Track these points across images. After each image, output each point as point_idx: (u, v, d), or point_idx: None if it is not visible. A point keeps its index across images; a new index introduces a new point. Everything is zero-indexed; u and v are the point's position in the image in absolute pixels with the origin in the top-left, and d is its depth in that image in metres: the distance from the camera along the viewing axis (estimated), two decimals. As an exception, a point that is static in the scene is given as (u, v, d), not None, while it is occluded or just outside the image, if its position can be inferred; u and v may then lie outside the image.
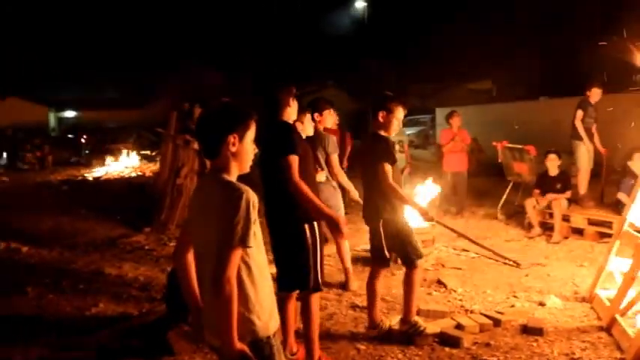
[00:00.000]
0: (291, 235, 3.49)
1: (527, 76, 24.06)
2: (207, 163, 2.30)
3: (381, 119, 4.09)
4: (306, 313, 3.58)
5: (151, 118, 24.66)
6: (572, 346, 3.95)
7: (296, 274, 3.54)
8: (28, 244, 7.18)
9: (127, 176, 16.49)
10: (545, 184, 7.46)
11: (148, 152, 22.05)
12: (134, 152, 21.18)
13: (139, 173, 16.94)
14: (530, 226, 7.53)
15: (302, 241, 3.46)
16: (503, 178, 9.02)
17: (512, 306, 4.83)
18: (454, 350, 3.94)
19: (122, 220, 8.73)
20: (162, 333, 4.04)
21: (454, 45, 28.04)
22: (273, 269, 3.75)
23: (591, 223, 7.06)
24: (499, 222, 8.30)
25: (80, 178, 16.47)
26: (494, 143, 9.03)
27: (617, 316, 4.11)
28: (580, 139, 7.61)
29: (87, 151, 23.63)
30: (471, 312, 4.65)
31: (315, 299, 3.58)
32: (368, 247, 4.46)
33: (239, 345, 2.03)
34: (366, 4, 32.85)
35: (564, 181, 7.41)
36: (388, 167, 3.94)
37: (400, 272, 4.42)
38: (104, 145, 23.50)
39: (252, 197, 2.09)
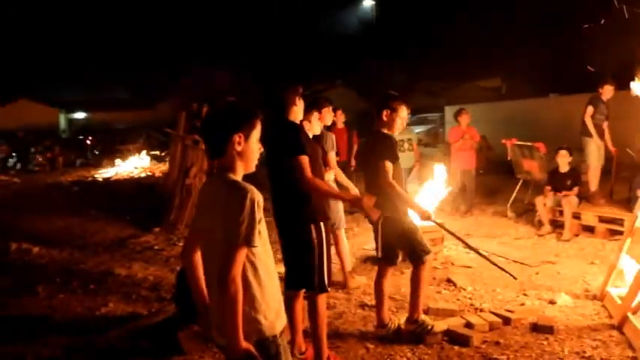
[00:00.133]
0: (297, 235, 3.50)
1: (537, 73, 23.90)
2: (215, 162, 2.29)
3: (384, 118, 4.09)
4: (313, 312, 3.58)
5: (161, 118, 24.75)
6: (583, 345, 3.92)
7: (302, 274, 3.54)
8: (38, 245, 7.23)
9: (136, 177, 16.57)
10: (556, 180, 7.42)
11: (158, 152, 22.14)
12: (145, 152, 21.28)
13: (149, 173, 17.01)
14: (540, 224, 7.48)
15: (308, 242, 3.46)
16: (513, 176, 8.97)
17: (522, 304, 4.80)
18: (463, 349, 3.92)
19: (132, 221, 8.78)
20: (172, 333, 4.06)
21: (463, 43, 27.92)
22: (282, 268, 3.76)
23: (602, 220, 7.00)
24: (509, 220, 8.25)
25: (90, 179, 16.58)
26: (503, 141, 8.98)
27: (629, 315, 4.07)
28: (590, 135, 7.54)
29: (97, 152, 23.76)
30: (481, 310, 4.63)
31: (322, 299, 3.58)
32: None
33: (244, 344, 2.03)
34: (374, 2, 32.80)
35: (574, 177, 7.36)
36: (389, 165, 3.93)
37: (409, 271, 4.40)
38: (114, 146, 23.63)
39: (257, 196, 2.08)
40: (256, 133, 2.24)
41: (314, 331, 3.60)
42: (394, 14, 35.95)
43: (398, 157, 4.07)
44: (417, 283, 4.10)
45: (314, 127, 4.46)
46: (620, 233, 6.20)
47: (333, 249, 5.65)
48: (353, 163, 8.76)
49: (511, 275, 4.49)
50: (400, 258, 4.33)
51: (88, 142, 24.99)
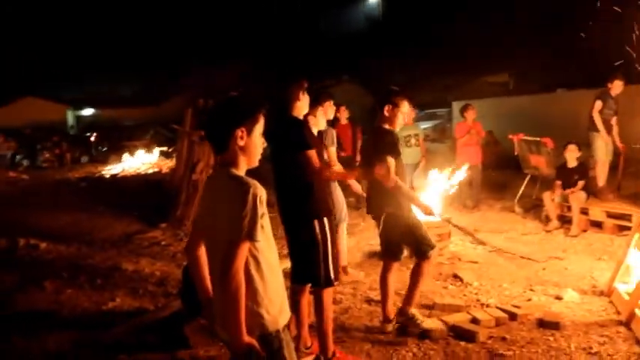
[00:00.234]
0: (301, 231, 3.49)
1: (545, 68, 23.74)
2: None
3: (386, 113, 4.08)
4: (318, 307, 3.58)
5: (169, 115, 24.76)
6: (590, 341, 3.89)
7: (307, 269, 3.54)
8: (46, 240, 7.28)
9: (143, 173, 16.63)
10: (564, 175, 7.37)
11: (165, 149, 22.22)
12: (155, 148, 21.35)
13: (156, 170, 17.07)
14: (547, 220, 7.44)
15: (312, 237, 3.45)
16: (521, 171, 8.92)
17: (529, 300, 4.77)
18: (469, 344, 3.91)
19: (139, 216, 8.81)
20: (179, 327, 4.08)
21: (471, 38, 27.78)
22: (289, 263, 3.76)
23: (610, 215, 6.95)
24: (516, 215, 8.21)
25: (97, 175, 16.66)
26: (510, 136, 8.93)
27: (637, 310, 4.04)
28: (597, 130, 7.49)
29: (104, 149, 23.83)
30: (487, 306, 4.61)
31: (328, 294, 3.57)
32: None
33: (247, 338, 2.03)
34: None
35: (582, 172, 7.30)
36: (391, 161, 3.91)
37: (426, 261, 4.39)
38: (121, 142, 23.71)
39: (259, 191, 2.08)
40: (259, 127, 2.23)
41: (320, 326, 3.60)
42: (400, 10, 35.81)
43: (400, 153, 4.05)
44: (417, 278, 4.09)
45: (319, 122, 4.45)
46: (629, 229, 6.16)
47: (349, 242, 5.66)
48: (358, 158, 8.74)
49: (531, 259, 4.44)
50: (405, 253, 4.31)
51: (92, 138, 25.07)
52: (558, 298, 4.75)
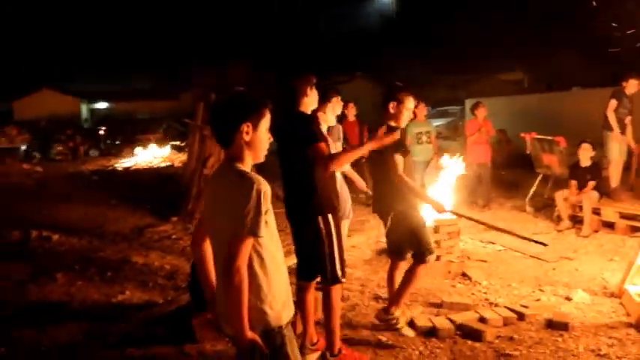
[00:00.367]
0: (306, 227, 3.48)
1: (560, 66, 23.54)
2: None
3: (391, 110, 4.03)
4: (326, 304, 3.57)
5: (184, 109, 24.85)
6: (599, 342, 3.86)
7: (312, 265, 3.53)
8: (58, 233, 7.35)
9: (155, 166, 16.73)
10: (577, 175, 7.30)
11: (177, 143, 22.35)
12: (168, 142, 21.46)
13: (168, 163, 17.17)
14: (559, 219, 7.38)
15: (316, 233, 3.44)
16: (533, 170, 8.85)
17: (538, 300, 4.74)
18: (476, 343, 3.89)
19: (151, 210, 8.87)
20: (187, 321, 4.10)
21: (485, 35, 27.61)
22: (295, 259, 3.76)
23: (623, 216, 6.87)
24: (527, 214, 8.15)
25: (110, 168, 16.78)
26: (522, 134, 8.85)
27: (647, 312, 4.01)
28: (611, 129, 7.41)
29: (117, 142, 23.96)
30: (495, 305, 4.59)
31: (336, 290, 3.56)
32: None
33: (250, 334, 2.04)
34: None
35: (594, 172, 7.22)
36: (399, 158, 3.87)
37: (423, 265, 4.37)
38: (134, 136, 23.87)
39: (263, 187, 2.07)
40: (265, 122, 2.22)
41: (327, 323, 3.60)
42: (414, 8, 35.70)
43: (408, 150, 4.02)
44: (409, 279, 4.03)
45: (328, 119, 4.44)
46: (641, 230, 6.10)
47: (355, 240, 5.64)
48: (365, 156, 8.73)
49: (540, 243, 4.40)
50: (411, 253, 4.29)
51: (102, 132, 25.22)
52: (568, 298, 4.72)
